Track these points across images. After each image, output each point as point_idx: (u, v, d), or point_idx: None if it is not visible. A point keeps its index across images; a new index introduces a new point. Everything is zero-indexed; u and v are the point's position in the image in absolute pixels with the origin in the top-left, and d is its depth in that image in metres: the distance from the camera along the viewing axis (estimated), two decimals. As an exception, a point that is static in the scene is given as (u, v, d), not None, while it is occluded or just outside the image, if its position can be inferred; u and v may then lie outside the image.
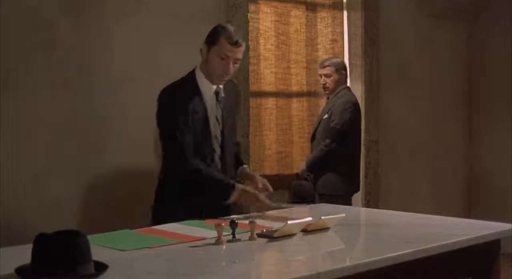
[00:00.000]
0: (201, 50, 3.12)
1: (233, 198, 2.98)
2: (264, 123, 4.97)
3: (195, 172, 2.99)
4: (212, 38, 3.06)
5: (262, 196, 3.02)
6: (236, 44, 3.02)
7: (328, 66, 4.80)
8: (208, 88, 3.12)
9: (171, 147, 3.04)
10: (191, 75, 3.14)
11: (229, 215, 2.99)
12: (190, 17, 4.23)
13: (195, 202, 2.96)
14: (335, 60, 4.87)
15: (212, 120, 3.11)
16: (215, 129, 3.13)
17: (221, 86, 3.16)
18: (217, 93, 3.13)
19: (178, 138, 2.99)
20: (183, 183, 3.02)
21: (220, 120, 3.14)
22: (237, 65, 3.13)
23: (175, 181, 3.07)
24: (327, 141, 4.67)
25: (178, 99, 3.03)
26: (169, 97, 3.07)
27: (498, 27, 6.17)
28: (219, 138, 3.14)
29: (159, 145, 3.20)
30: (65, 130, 3.74)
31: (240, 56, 3.08)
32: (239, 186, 3.01)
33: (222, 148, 3.15)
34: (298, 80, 5.18)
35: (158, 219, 2.93)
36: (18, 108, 3.58)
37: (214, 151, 3.12)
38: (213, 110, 3.12)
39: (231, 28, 3.09)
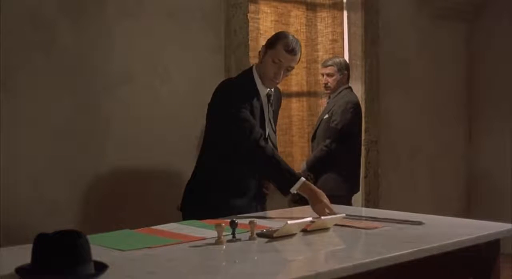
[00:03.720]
0: (259, 52, 3.22)
1: (294, 189, 2.96)
2: (264, 123, 4.97)
3: (270, 149, 3.04)
4: (271, 42, 3.17)
5: (326, 199, 2.96)
6: (291, 52, 3.11)
7: (330, 65, 4.80)
8: (262, 89, 3.20)
9: (245, 125, 3.04)
10: (249, 74, 3.22)
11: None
12: (190, 17, 4.23)
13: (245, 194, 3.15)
14: (337, 59, 4.87)
15: (266, 120, 3.21)
16: (268, 129, 3.23)
17: (272, 89, 3.24)
18: (269, 95, 3.23)
19: (250, 119, 3.05)
20: (250, 162, 3.07)
21: (271, 121, 3.25)
22: (288, 74, 3.21)
23: (244, 161, 3.08)
24: (328, 141, 4.66)
25: (241, 93, 3.11)
26: (231, 89, 3.16)
27: (498, 27, 6.17)
28: (271, 137, 3.24)
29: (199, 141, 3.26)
30: (65, 130, 3.74)
31: (293, 64, 3.16)
32: (304, 180, 2.99)
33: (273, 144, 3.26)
34: (298, 80, 5.18)
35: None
36: (18, 108, 3.58)
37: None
38: (266, 110, 3.21)
39: (291, 37, 3.18)
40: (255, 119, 3.11)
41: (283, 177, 3.01)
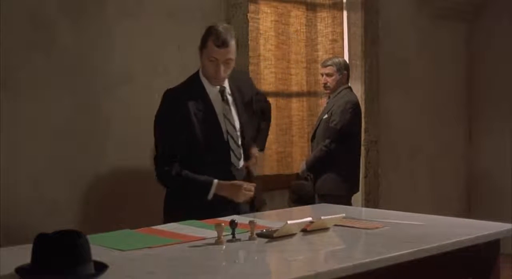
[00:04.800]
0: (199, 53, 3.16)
1: (211, 194, 3.02)
2: (264, 124, 4.97)
3: (171, 177, 3.07)
4: (202, 41, 3.10)
5: (246, 185, 3.06)
6: (222, 45, 3.02)
7: (330, 65, 4.80)
8: (211, 89, 3.15)
9: (157, 152, 3.15)
10: (196, 77, 3.18)
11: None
12: (190, 17, 4.23)
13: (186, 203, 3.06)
14: (337, 59, 4.87)
15: (221, 119, 3.14)
16: (227, 127, 3.15)
17: (226, 85, 3.18)
18: (221, 92, 3.16)
19: (161, 146, 3.11)
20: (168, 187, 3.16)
21: (229, 118, 3.16)
22: (231, 65, 3.11)
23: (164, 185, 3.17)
24: (327, 141, 4.67)
25: (179, 103, 3.07)
26: (170, 100, 3.12)
27: (498, 27, 6.17)
28: (234, 134, 3.16)
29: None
30: (65, 130, 3.74)
31: (230, 56, 3.07)
32: (218, 182, 3.03)
33: (243, 142, 3.22)
34: (298, 80, 5.18)
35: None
36: (18, 108, 3.58)
37: (229, 147, 3.14)
38: (220, 109, 3.14)
39: (220, 29, 3.07)
40: (203, 124, 3.07)
41: (197, 190, 3.05)
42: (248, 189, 3.06)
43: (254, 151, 3.36)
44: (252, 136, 3.36)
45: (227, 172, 3.13)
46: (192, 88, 3.14)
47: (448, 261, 2.53)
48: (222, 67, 3.06)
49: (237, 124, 3.20)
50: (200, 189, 3.05)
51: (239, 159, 3.21)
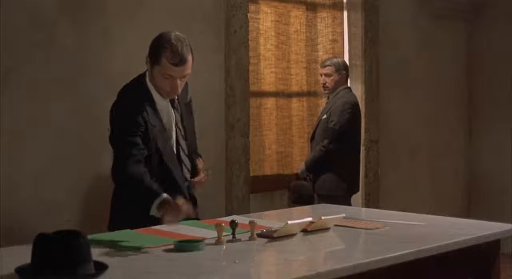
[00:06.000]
0: (146, 61, 2.88)
1: (153, 209, 2.63)
2: (264, 123, 4.97)
3: (126, 178, 2.75)
4: (154, 56, 2.79)
5: (185, 207, 2.60)
6: (179, 63, 2.74)
7: (328, 65, 4.81)
8: (160, 99, 2.88)
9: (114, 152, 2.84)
10: (143, 84, 2.88)
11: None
12: (190, 17, 4.23)
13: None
14: (336, 60, 4.87)
15: (169, 128, 2.90)
16: (177, 135, 2.94)
17: None
18: (172, 101, 2.92)
19: (119, 145, 2.79)
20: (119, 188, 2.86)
21: (180, 126, 2.95)
22: (186, 78, 2.84)
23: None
24: (325, 141, 4.67)
25: (131, 109, 2.79)
26: (123, 105, 2.84)
27: (498, 27, 6.17)
28: (183, 142, 2.95)
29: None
30: (65, 130, 3.74)
31: (186, 73, 2.80)
32: (166, 197, 2.64)
33: (188, 151, 2.99)
34: (298, 80, 5.18)
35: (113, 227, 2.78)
36: (18, 108, 3.58)
37: (179, 157, 2.92)
38: (169, 118, 2.91)
39: (174, 42, 2.75)
40: (154, 135, 2.79)
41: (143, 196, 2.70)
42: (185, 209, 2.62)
43: (201, 164, 3.05)
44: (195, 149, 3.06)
45: (177, 187, 2.85)
46: (140, 96, 2.84)
47: (448, 261, 2.53)
48: (178, 82, 2.80)
49: (184, 133, 2.97)
50: (145, 196, 2.68)
51: (189, 171, 2.97)
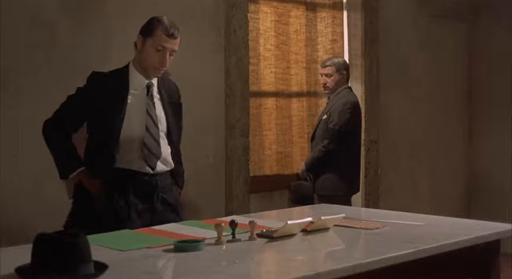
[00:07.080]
0: (135, 43, 3.03)
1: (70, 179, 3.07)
2: (264, 123, 4.97)
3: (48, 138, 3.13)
4: (148, 29, 3.00)
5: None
6: (172, 35, 2.97)
7: (329, 66, 4.80)
8: (139, 84, 3.03)
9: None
10: (125, 69, 3.07)
11: None
12: (190, 17, 4.23)
13: None
14: (336, 60, 4.87)
15: (139, 113, 3.01)
16: (147, 122, 3.01)
17: (154, 82, 3.07)
18: (148, 87, 3.05)
19: (58, 112, 3.11)
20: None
21: (152, 115, 3.03)
22: (172, 58, 3.03)
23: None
24: (325, 141, 4.67)
25: (97, 84, 3.03)
26: (91, 79, 3.06)
27: (498, 27, 6.18)
28: (154, 130, 3.02)
29: None
30: (65, 130, 3.73)
31: (176, 47, 3.02)
32: (83, 171, 3.03)
33: (169, 142, 3.10)
34: (298, 80, 5.18)
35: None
36: (18, 108, 3.58)
37: (144, 144, 2.99)
38: (141, 104, 3.02)
39: (167, 20, 3.02)
40: (105, 111, 2.97)
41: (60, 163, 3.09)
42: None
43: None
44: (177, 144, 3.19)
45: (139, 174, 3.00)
46: (116, 78, 3.04)
47: (448, 261, 2.53)
48: (167, 57, 2.99)
49: (162, 122, 3.07)
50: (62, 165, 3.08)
51: (157, 158, 3.02)
